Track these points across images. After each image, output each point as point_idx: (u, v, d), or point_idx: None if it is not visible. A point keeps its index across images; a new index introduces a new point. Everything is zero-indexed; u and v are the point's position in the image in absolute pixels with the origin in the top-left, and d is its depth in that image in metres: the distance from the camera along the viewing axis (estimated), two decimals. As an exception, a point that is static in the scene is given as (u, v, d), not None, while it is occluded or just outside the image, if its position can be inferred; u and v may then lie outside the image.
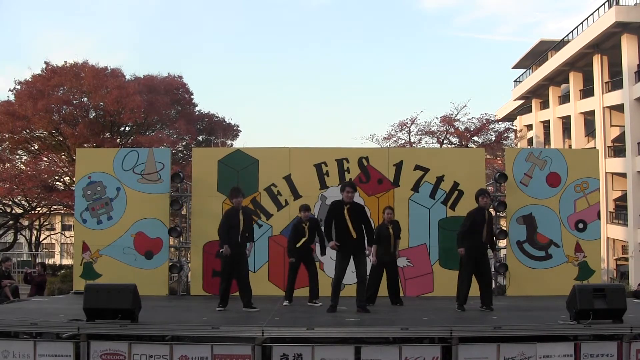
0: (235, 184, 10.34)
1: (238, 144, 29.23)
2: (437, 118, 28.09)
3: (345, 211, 8.14)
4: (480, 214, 8.52)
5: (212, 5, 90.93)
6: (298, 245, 9.29)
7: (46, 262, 18.22)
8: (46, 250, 37.09)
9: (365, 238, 8.32)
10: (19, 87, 24.85)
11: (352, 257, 8.20)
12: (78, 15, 79.10)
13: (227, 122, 30.01)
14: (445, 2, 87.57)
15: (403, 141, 28.07)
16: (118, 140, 25.73)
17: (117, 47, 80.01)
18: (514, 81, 39.62)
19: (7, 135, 24.95)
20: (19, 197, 25.55)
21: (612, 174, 28.26)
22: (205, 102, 73.01)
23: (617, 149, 28.49)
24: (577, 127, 31.35)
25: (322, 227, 8.97)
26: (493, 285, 11.43)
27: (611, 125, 28.96)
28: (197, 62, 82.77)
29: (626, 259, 27.26)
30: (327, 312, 8.13)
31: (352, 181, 9.95)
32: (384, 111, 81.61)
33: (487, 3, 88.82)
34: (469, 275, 8.52)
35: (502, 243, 11.88)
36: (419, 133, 28.08)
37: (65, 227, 41.02)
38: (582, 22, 29.61)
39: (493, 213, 11.88)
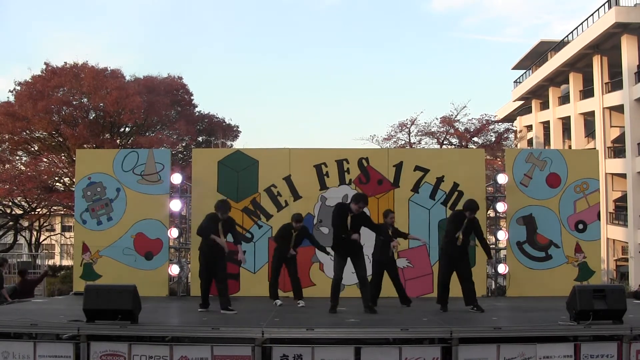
0: (235, 186, 10.28)
1: (238, 144, 29.34)
2: (437, 119, 28.02)
3: (349, 218, 8.20)
4: (459, 220, 8.50)
5: (216, 6, 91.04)
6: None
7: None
8: (46, 251, 36.99)
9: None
10: (18, 88, 24.87)
11: (350, 258, 8.24)
12: (80, 17, 79.18)
13: (227, 122, 30.07)
14: (454, 3, 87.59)
15: (403, 142, 28.03)
16: (118, 141, 25.74)
17: (119, 49, 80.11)
18: (514, 82, 39.64)
19: (7, 136, 24.95)
20: (19, 198, 25.54)
21: (612, 174, 28.27)
22: (205, 103, 73.03)
23: (617, 149, 28.50)
24: (577, 128, 31.37)
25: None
26: (494, 286, 11.59)
27: (611, 126, 28.98)
28: (198, 63, 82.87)
29: (626, 260, 27.27)
30: (329, 312, 8.13)
31: (365, 196, 8.79)
32: (384, 112, 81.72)
33: (495, 4, 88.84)
34: (442, 275, 8.65)
35: (502, 244, 11.88)
36: (419, 134, 28.05)
37: (65, 228, 40.95)
38: (582, 23, 29.65)
39: (492, 214, 11.99)
